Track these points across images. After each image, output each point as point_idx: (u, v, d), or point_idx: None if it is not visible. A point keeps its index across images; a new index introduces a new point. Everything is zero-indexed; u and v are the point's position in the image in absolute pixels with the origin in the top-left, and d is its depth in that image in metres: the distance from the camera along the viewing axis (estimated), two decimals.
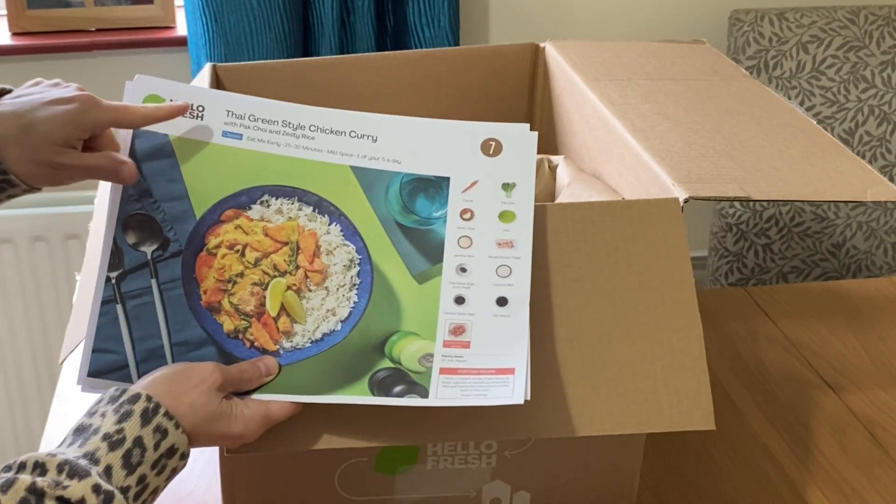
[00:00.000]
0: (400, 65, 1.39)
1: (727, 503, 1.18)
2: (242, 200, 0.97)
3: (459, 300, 0.94)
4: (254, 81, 1.33)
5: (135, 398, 0.83)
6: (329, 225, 0.97)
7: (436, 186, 0.98)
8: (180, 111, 0.97)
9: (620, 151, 1.16)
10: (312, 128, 0.99)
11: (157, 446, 0.82)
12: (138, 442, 0.81)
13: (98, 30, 2.10)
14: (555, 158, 1.29)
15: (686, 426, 0.96)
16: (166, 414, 0.83)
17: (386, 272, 0.96)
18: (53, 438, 1.20)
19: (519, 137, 1.00)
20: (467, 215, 0.97)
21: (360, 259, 0.96)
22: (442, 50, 1.44)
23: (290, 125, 0.99)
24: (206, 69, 1.31)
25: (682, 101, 1.24)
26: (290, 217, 0.97)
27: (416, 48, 2.01)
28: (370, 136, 1.00)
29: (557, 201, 1.24)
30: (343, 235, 0.97)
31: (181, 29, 2.11)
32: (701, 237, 2.29)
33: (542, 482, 1.08)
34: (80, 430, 0.82)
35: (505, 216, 0.97)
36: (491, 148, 1.00)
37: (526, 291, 0.94)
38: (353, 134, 1.00)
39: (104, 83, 2.09)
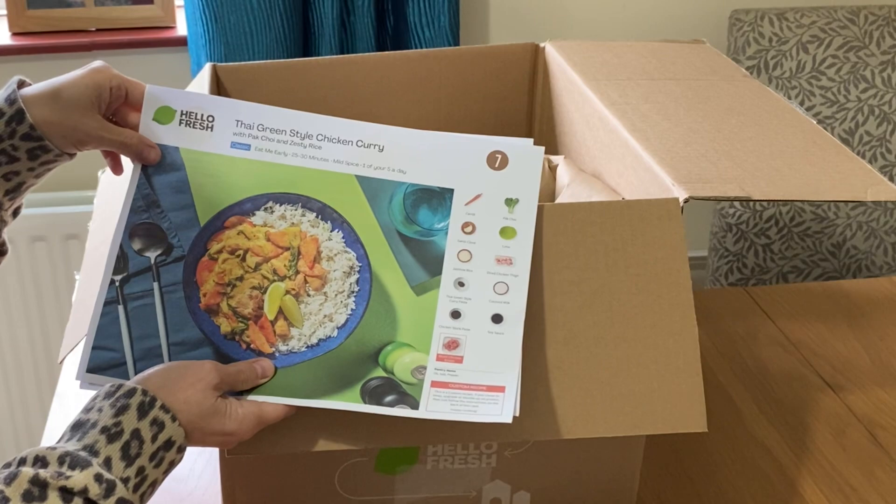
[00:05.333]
0: (400, 65, 1.39)
1: (727, 503, 1.18)
2: (246, 207, 0.98)
3: (455, 314, 0.95)
4: (254, 81, 1.33)
5: (130, 392, 0.84)
6: (331, 231, 0.97)
7: (439, 198, 0.99)
8: (147, 152, 1.00)
9: (620, 151, 1.16)
10: (320, 137, 1.00)
11: (154, 438, 0.83)
12: (136, 434, 0.82)
13: (98, 30, 2.10)
14: (555, 158, 1.29)
15: (679, 428, 0.96)
16: (162, 407, 0.84)
17: (385, 281, 0.96)
18: (54, 438, 1.19)
19: (525, 152, 1.00)
20: (469, 229, 0.97)
21: (360, 267, 0.96)
22: (442, 50, 1.44)
23: (298, 134, 1.00)
24: (206, 69, 1.31)
25: (682, 101, 1.24)
26: (292, 223, 0.97)
27: (416, 48, 2.01)
28: (377, 145, 1.00)
29: (557, 201, 1.24)
30: (345, 242, 0.97)
31: (181, 29, 2.11)
32: (701, 237, 2.29)
33: (542, 482, 1.08)
34: (78, 426, 0.82)
35: (506, 232, 0.97)
36: (497, 161, 1.00)
37: (521, 310, 0.94)
38: (359, 143, 1.00)
39: None
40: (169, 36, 2.10)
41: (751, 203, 2.10)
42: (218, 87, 1.31)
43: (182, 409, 0.85)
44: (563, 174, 1.26)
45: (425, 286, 0.96)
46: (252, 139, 1.00)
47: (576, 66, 1.32)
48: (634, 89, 1.25)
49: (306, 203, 0.98)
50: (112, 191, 1.29)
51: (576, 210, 0.99)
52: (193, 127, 0.99)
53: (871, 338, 1.48)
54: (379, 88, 1.38)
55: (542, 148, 1.01)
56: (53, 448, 0.79)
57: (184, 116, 1.00)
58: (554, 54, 1.38)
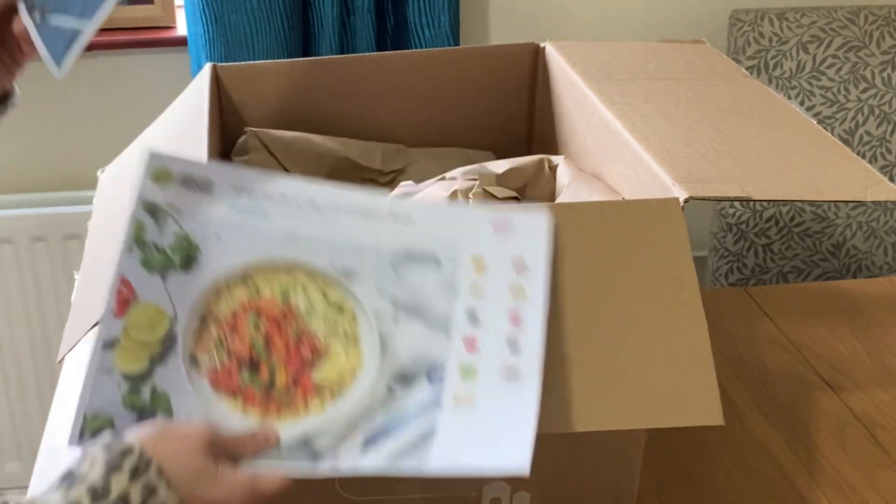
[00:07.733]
0: (400, 65, 1.40)
1: (727, 503, 1.18)
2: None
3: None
4: (254, 81, 1.33)
5: (127, 451, 0.81)
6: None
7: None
8: None
9: (620, 151, 1.16)
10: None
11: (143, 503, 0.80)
12: (124, 498, 0.79)
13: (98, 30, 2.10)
14: (555, 158, 1.29)
15: (693, 421, 0.95)
16: (158, 472, 0.80)
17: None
18: (53, 438, 1.20)
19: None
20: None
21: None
22: (442, 50, 1.45)
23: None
24: (206, 69, 1.31)
25: (682, 101, 1.24)
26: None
27: (416, 48, 2.01)
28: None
29: (557, 201, 1.24)
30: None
31: (181, 29, 2.11)
32: (701, 237, 2.29)
33: (542, 482, 1.08)
34: (68, 476, 0.80)
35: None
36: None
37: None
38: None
39: (104, 83, 2.09)
40: (169, 36, 2.10)
41: (751, 203, 2.10)
42: (218, 87, 1.31)
43: (176, 472, 0.81)
44: (563, 174, 1.26)
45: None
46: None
47: (576, 66, 1.32)
48: (634, 89, 1.25)
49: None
50: (112, 191, 1.29)
51: (576, 209, 0.99)
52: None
53: (871, 338, 1.48)
54: (379, 88, 1.38)
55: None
56: (34, 501, 0.76)
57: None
58: (554, 54, 1.38)
